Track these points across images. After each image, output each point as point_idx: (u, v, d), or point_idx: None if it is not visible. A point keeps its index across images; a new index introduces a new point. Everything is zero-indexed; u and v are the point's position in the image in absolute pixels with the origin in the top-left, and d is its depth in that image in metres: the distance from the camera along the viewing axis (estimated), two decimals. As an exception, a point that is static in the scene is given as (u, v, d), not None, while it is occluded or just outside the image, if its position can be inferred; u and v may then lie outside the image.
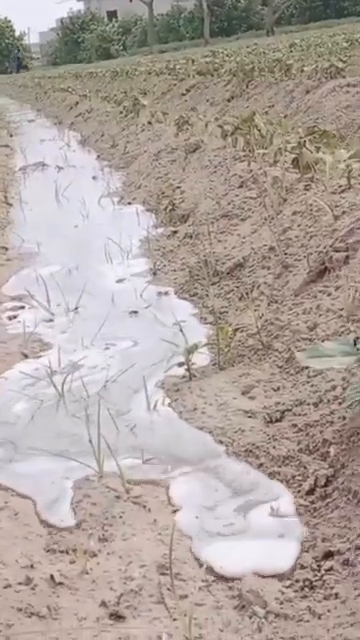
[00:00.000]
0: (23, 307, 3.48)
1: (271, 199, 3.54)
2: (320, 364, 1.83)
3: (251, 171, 4.11)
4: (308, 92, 8.22)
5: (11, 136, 11.78)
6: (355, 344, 2.17)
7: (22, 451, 2.21)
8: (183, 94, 12.61)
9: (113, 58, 51.32)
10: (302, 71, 8.87)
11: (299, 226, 3.09)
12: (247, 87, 10.05)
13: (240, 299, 3.03)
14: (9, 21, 66.74)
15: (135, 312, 3.32)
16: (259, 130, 4.52)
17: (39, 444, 2.22)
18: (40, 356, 2.87)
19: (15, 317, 3.38)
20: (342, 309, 2.37)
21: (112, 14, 67.53)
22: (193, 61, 17.38)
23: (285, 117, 8.26)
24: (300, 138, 3.54)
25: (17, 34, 68.93)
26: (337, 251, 2.63)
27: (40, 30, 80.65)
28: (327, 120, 7.22)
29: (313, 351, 1.85)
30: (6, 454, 2.20)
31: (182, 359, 2.57)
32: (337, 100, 7.45)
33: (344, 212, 2.89)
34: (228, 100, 10.34)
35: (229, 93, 10.51)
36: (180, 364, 2.55)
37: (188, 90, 12.48)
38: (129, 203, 5.54)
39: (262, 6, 45.75)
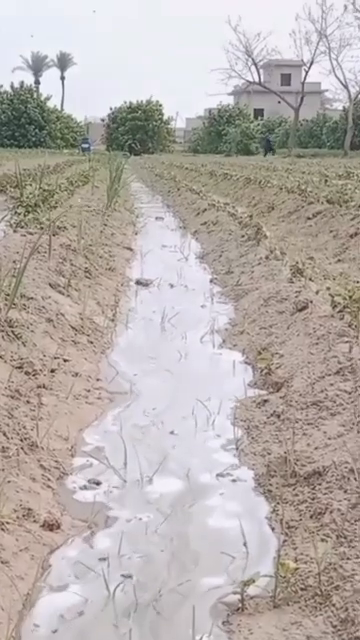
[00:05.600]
0: (98, 482, 3.44)
1: (364, 404, 3.47)
2: None
3: (351, 359, 4.06)
4: None
5: (136, 234, 12.14)
6: None
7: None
8: (309, 218, 12.73)
9: (252, 154, 52.65)
10: None
11: (385, 450, 3.00)
12: (373, 227, 10.05)
13: (311, 517, 2.94)
14: (160, 105, 69.71)
15: (208, 504, 3.28)
16: (368, 312, 4.48)
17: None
18: (100, 560, 2.84)
19: (85, 487, 3.36)
20: None
21: (259, 112, 69.65)
22: (326, 181, 17.60)
23: None
24: None
25: (165, 117, 71.79)
26: None
27: (187, 116, 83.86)
28: None
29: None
30: None
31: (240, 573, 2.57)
32: None
33: None
34: (351, 236, 10.34)
35: (354, 229, 10.52)
36: (235, 592, 2.50)
37: (314, 215, 12.58)
38: (229, 349, 5.55)
39: None
